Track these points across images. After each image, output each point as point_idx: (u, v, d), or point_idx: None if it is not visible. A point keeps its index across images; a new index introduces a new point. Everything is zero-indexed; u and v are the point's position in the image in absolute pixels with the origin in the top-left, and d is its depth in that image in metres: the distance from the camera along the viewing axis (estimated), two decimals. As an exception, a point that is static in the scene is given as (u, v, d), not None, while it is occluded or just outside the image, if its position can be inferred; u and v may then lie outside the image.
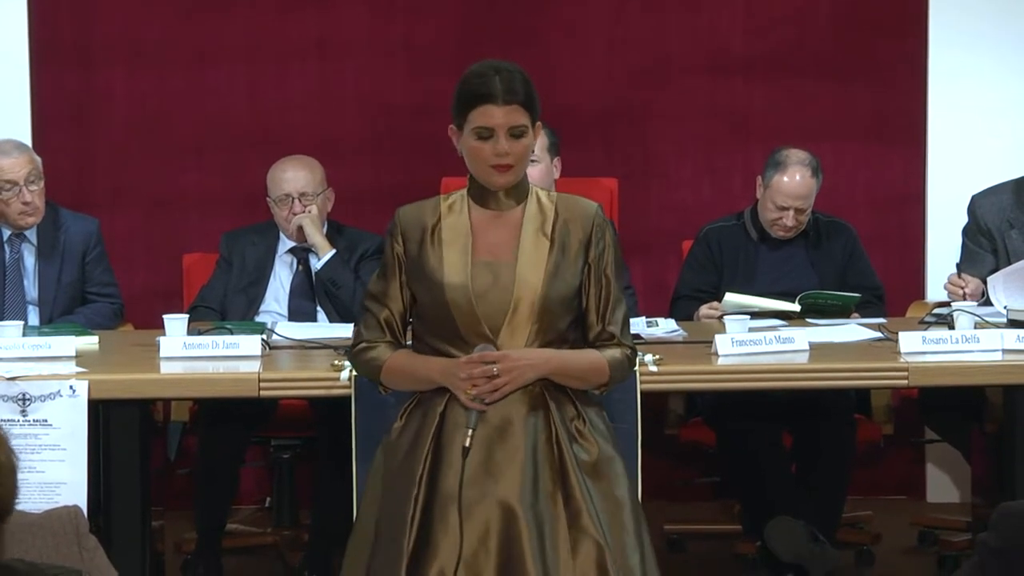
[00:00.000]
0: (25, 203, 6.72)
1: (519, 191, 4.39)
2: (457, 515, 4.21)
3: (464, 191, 4.43)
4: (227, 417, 6.39)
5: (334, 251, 6.66)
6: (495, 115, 4.31)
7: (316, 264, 6.68)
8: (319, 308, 6.73)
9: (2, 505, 3.47)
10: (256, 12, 7.72)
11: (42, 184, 6.77)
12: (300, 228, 6.71)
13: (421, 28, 7.74)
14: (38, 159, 6.77)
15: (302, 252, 6.80)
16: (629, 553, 4.30)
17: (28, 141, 7.19)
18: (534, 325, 4.33)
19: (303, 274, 6.78)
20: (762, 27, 7.78)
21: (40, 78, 7.62)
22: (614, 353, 4.41)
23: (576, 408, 4.38)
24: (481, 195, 4.40)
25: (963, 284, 6.48)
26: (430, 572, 4.20)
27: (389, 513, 4.30)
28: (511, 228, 4.38)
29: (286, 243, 6.82)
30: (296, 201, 6.71)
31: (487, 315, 4.31)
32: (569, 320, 4.40)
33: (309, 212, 6.68)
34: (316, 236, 6.68)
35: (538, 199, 4.41)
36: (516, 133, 4.31)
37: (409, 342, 4.48)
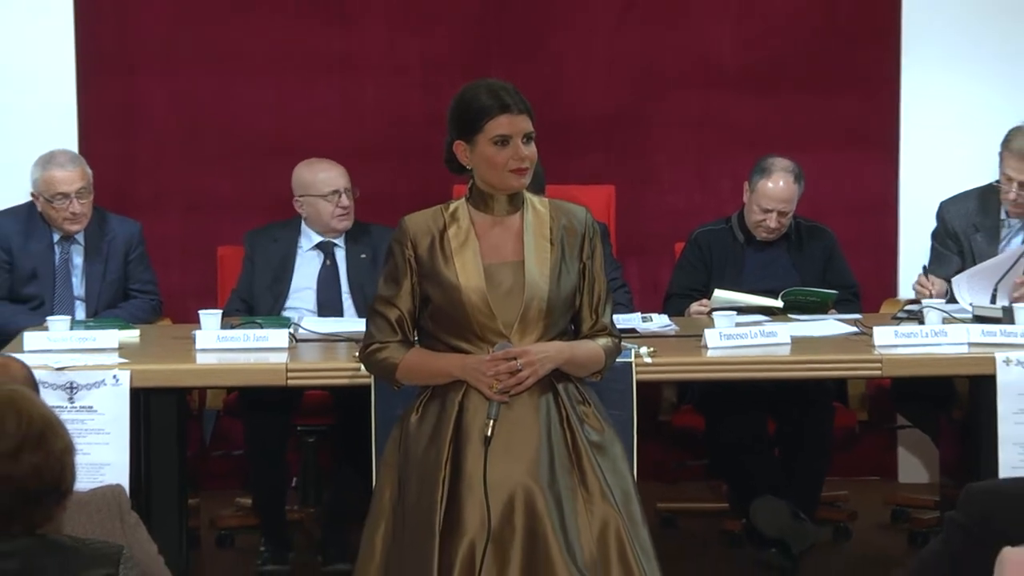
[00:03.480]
0: (73, 213, 6.74)
1: (516, 198, 4.41)
2: (483, 495, 4.21)
3: (463, 200, 4.44)
4: (261, 405, 6.40)
5: None
6: (512, 124, 4.33)
7: None
8: (347, 300, 6.74)
9: (65, 484, 3.51)
10: (284, 29, 7.71)
11: (91, 196, 6.79)
12: (345, 223, 6.70)
13: (434, 45, 7.74)
14: (90, 173, 6.79)
15: (328, 246, 6.80)
16: (638, 522, 4.34)
17: (75, 149, 7.20)
18: (543, 322, 4.35)
19: (330, 268, 6.78)
20: (750, 45, 7.78)
21: (85, 91, 7.62)
22: (607, 342, 4.47)
23: (580, 393, 4.41)
24: (484, 202, 4.41)
25: (930, 285, 6.49)
26: (460, 547, 4.20)
27: (418, 496, 4.31)
28: (512, 232, 4.40)
29: (311, 238, 6.80)
30: (343, 195, 6.71)
31: (502, 315, 4.33)
32: (570, 316, 4.44)
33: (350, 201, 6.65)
34: None
35: (533, 206, 4.43)
36: (528, 139, 4.35)
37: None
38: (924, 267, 6.67)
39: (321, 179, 6.77)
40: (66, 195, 6.73)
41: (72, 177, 6.74)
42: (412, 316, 4.42)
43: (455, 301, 4.34)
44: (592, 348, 4.44)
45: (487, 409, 4.28)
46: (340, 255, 6.78)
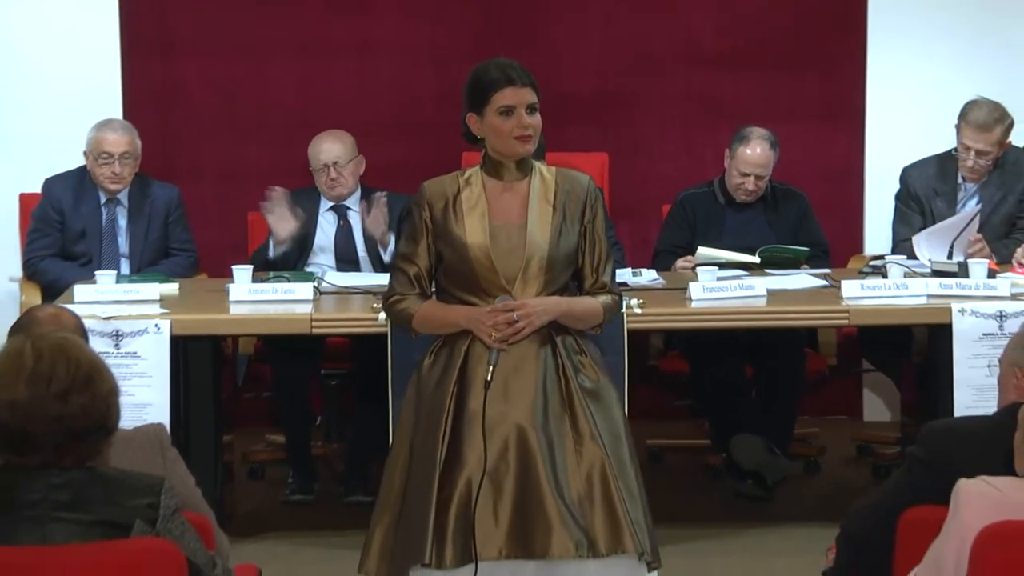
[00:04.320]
0: (115, 173, 6.76)
1: (524, 166, 4.39)
2: (481, 434, 4.21)
3: (477, 167, 4.42)
4: (288, 352, 6.39)
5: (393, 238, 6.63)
6: (516, 95, 4.31)
7: (386, 256, 6.55)
8: (363, 258, 6.73)
9: (111, 422, 3.51)
10: (307, 17, 7.71)
11: (133, 162, 6.80)
12: (337, 191, 6.70)
13: (443, 30, 7.72)
14: (138, 143, 6.81)
15: (342, 209, 6.80)
16: (626, 463, 4.31)
17: (120, 122, 7.22)
18: (543, 278, 4.34)
19: (344, 228, 6.78)
20: (729, 29, 7.77)
21: (130, 72, 7.61)
22: (606, 299, 4.43)
23: (577, 344, 4.38)
24: (495, 169, 4.39)
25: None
26: (459, 480, 4.20)
27: (423, 433, 4.31)
28: (520, 196, 4.38)
29: (326, 203, 6.81)
30: (331, 168, 6.71)
31: (504, 270, 4.32)
32: (570, 273, 4.42)
33: (389, 237, 6.58)
34: (385, 236, 6.60)
35: (541, 173, 4.42)
36: (532, 109, 4.33)
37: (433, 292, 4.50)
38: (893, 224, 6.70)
39: (315, 153, 6.80)
40: (111, 155, 6.74)
41: (120, 141, 6.77)
42: (429, 272, 4.41)
43: (463, 258, 4.33)
44: (590, 304, 4.41)
45: (488, 356, 4.28)
46: (353, 216, 6.77)
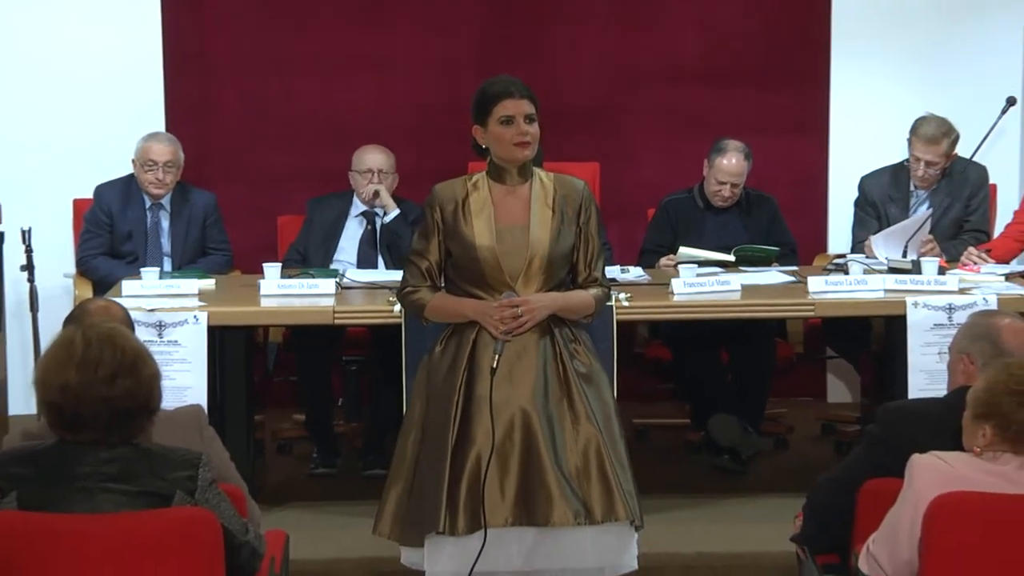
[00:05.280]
0: (158, 179, 6.75)
1: (525, 171, 4.40)
2: (489, 415, 4.22)
3: (483, 172, 4.43)
4: (312, 341, 6.38)
5: (399, 211, 6.66)
6: (515, 106, 4.33)
7: (385, 219, 6.65)
8: (381, 258, 6.72)
9: (154, 404, 3.52)
10: (329, 36, 7.68)
11: (176, 170, 6.80)
12: (375, 193, 6.68)
13: (452, 48, 7.70)
14: (181, 155, 6.82)
15: (372, 215, 6.77)
16: (616, 439, 4.33)
17: (162, 134, 7.21)
18: (543, 275, 4.35)
19: (370, 232, 6.75)
20: (709, 49, 7.74)
21: (171, 86, 7.59)
22: (597, 292, 4.45)
23: (572, 333, 4.40)
24: (499, 174, 4.40)
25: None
26: (469, 457, 4.21)
27: (436, 415, 4.32)
28: (522, 200, 4.39)
29: (358, 207, 6.77)
30: (375, 175, 6.70)
31: (509, 268, 4.33)
32: (567, 270, 4.43)
33: (382, 184, 6.68)
34: (388, 199, 6.68)
35: (540, 178, 4.42)
36: (530, 119, 4.33)
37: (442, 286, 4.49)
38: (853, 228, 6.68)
39: (362, 158, 6.78)
40: (155, 163, 6.74)
41: (164, 151, 6.77)
42: (439, 266, 4.43)
43: (471, 257, 4.34)
44: (583, 297, 4.42)
45: (494, 346, 4.28)
46: (378, 222, 6.76)
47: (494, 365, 4.25)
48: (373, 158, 6.75)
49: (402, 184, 6.84)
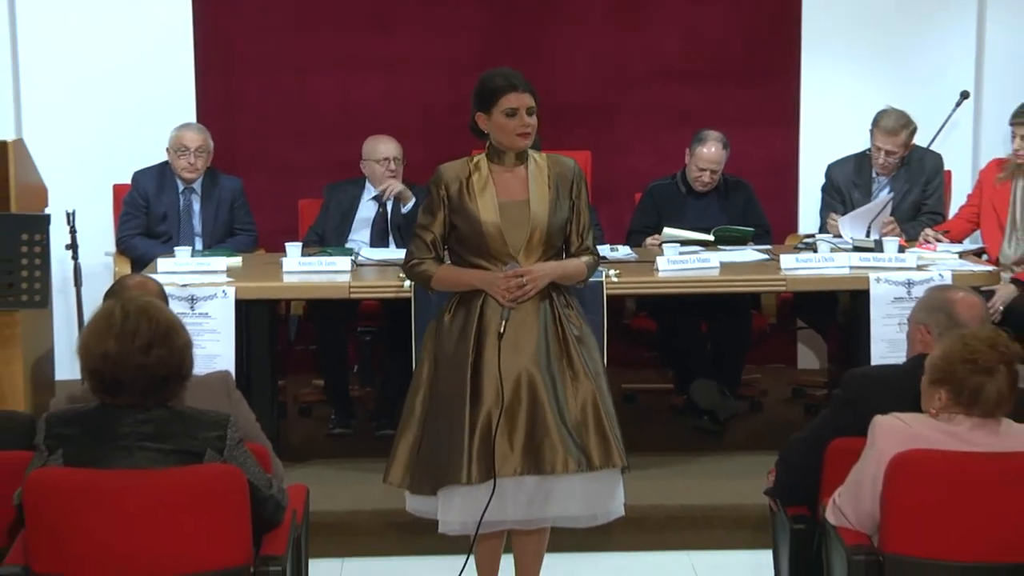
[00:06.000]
0: (190, 163, 6.76)
1: (521, 154, 4.41)
2: (498, 375, 4.24)
3: (483, 155, 4.43)
4: (330, 313, 6.37)
5: (415, 200, 6.62)
6: (519, 99, 4.32)
7: (404, 208, 6.60)
8: (392, 237, 6.71)
9: (186, 370, 3.52)
10: (343, 39, 7.66)
11: (206, 156, 6.80)
12: (388, 180, 6.64)
13: (456, 49, 7.68)
14: (211, 142, 6.83)
15: (382, 200, 6.75)
16: (605, 392, 4.37)
17: (194, 127, 7.19)
18: (543, 246, 4.36)
19: (382, 215, 6.73)
20: (692, 49, 7.73)
21: (201, 83, 7.57)
22: (588, 259, 4.48)
23: (565, 299, 4.42)
24: (497, 156, 4.40)
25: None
26: (481, 414, 4.24)
27: (449, 380, 4.32)
28: (519, 178, 4.40)
29: (370, 192, 6.74)
30: (390, 162, 6.68)
31: (512, 241, 4.33)
32: (562, 240, 4.43)
33: (397, 176, 6.63)
34: (406, 193, 6.63)
35: (534, 159, 4.43)
36: (531, 111, 4.33)
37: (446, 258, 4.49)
38: (820, 212, 6.66)
39: (375, 147, 6.75)
40: (187, 148, 6.74)
41: (195, 138, 6.77)
42: (443, 238, 4.42)
43: (477, 231, 4.33)
44: (577, 264, 4.44)
45: (500, 312, 4.29)
46: (389, 205, 6.74)
47: (501, 330, 4.27)
48: (387, 147, 6.73)
49: (409, 174, 6.83)
